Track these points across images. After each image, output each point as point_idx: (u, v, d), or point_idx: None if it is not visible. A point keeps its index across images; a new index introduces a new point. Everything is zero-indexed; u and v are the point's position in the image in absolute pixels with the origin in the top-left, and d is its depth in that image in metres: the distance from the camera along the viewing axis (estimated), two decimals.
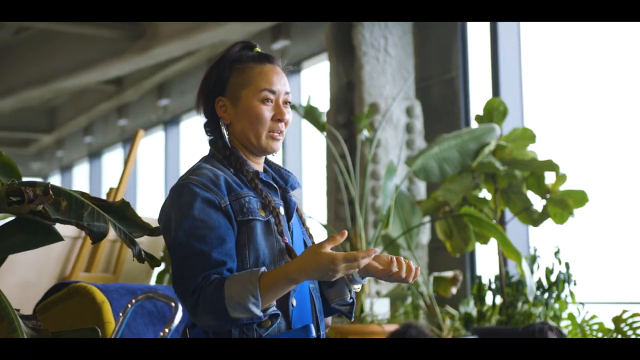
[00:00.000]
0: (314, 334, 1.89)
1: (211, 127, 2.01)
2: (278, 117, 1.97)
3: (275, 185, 2.00)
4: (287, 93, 2.00)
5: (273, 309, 1.83)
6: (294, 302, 1.91)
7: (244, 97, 1.96)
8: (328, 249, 1.78)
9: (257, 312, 1.78)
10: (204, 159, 1.98)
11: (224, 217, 1.86)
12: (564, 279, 4.16)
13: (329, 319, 3.77)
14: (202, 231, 1.82)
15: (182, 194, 1.87)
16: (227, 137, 1.97)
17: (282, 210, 1.97)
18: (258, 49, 2.03)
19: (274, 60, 2.02)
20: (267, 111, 1.96)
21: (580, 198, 4.22)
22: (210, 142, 2.02)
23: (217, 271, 1.81)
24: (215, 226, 1.84)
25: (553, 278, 4.18)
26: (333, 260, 1.76)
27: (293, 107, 3.28)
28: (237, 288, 1.77)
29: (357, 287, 2.01)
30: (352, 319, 2.10)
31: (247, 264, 1.87)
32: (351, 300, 2.04)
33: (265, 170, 2.06)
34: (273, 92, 1.97)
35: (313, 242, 2.07)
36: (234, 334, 1.84)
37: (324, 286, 2.05)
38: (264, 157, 2.04)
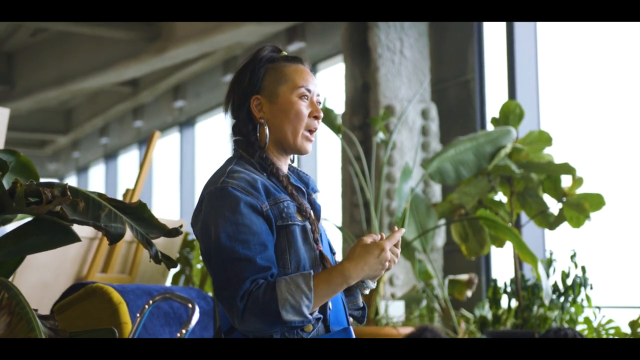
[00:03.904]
0: (353, 335, 1.91)
1: (242, 129, 1.95)
2: (315, 114, 1.97)
3: (304, 189, 1.98)
4: (318, 95, 2.00)
5: (317, 314, 1.83)
6: (331, 305, 1.90)
7: (282, 94, 1.94)
8: (369, 240, 1.83)
9: (309, 315, 1.78)
10: (234, 162, 1.92)
11: (264, 222, 1.83)
12: (580, 283, 4.14)
13: None
14: (246, 236, 1.79)
15: (223, 197, 1.82)
16: (259, 138, 1.93)
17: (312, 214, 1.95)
18: (285, 53, 2.03)
19: (304, 62, 2.03)
20: (304, 107, 1.95)
21: (596, 201, 4.19)
22: (238, 144, 1.96)
23: (263, 276, 1.78)
24: (258, 231, 1.81)
25: (569, 282, 4.15)
26: (382, 247, 1.81)
27: None
28: (291, 290, 1.76)
29: (367, 291, 2.02)
30: (364, 322, 2.11)
31: (288, 270, 1.84)
32: (362, 304, 2.05)
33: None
34: (309, 90, 1.97)
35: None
36: (275, 335, 1.82)
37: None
38: (289, 160, 2.01)
